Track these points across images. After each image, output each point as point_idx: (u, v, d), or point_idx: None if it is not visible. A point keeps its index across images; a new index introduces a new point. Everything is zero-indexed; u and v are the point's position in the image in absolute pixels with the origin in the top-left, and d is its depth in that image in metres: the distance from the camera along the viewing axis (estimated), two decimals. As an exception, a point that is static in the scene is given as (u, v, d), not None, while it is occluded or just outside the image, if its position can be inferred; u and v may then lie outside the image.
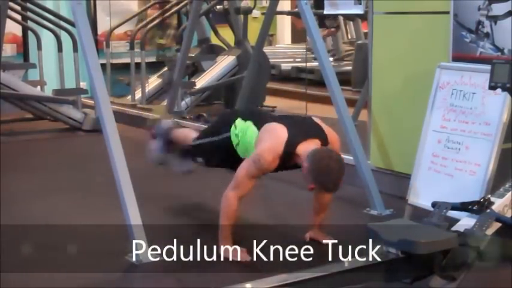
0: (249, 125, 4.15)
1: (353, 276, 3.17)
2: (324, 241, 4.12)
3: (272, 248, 4.17)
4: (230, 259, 3.92)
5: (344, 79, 7.90)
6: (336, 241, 4.10)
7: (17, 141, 7.51)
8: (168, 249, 4.00)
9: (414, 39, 4.89)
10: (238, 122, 4.23)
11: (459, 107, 4.27)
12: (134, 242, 3.82)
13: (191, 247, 4.17)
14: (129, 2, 10.52)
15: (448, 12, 4.49)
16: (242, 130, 4.19)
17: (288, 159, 3.94)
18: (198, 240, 4.28)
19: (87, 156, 6.63)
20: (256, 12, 9.82)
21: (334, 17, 10.31)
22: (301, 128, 4.03)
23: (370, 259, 3.22)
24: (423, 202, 4.19)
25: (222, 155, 4.30)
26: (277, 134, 3.97)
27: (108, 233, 4.36)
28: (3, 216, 4.61)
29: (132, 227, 3.83)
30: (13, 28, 9.22)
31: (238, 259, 3.89)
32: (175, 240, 4.29)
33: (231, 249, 3.96)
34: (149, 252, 3.85)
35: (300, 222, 4.45)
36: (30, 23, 9.16)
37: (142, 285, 3.74)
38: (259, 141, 4.02)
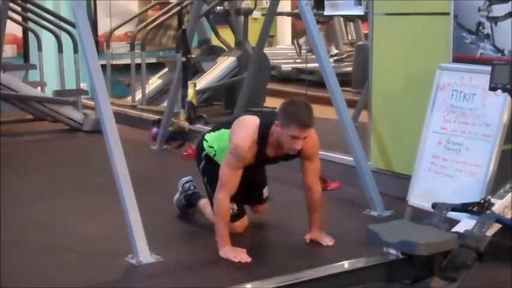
0: (223, 131, 4.25)
1: (353, 277, 3.17)
2: (325, 243, 4.13)
3: (272, 249, 4.19)
4: (230, 260, 3.92)
5: (344, 80, 7.90)
6: (334, 242, 4.12)
7: (17, 142, 7.51)
8: (168, 250, 4.01)
9: (414, 40, 4.89)
10: (207, 136, 4.38)
11: (459, 108, 4.27)
12: (134, 243, 3.82)
13: (191, 248, 4.19)
14: (130, 3, 10.51)
15: (448, 13, 4.49)
16: (216, 138, 4.30)
17: (267, 145, 3.99)
18: (198, 241, 4.31)
19: (87, 157, 6.63)
20: (256, 13, 9.83)
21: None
22: (272, 115, 4.12)
23: (371, 260, 3.22)
24: (423, 203, 4.19)
25: (216, 177, 4.24)
26: (248, 122, 4.07)
27: (108, 234, 4.37)
28: (3, 216, 4.61)
29: (132, 228, 3.82)
30: (13, 29, 9.22)
31: (238, 260, 3.89)
32: (175, 241, 4.32)
33: (230, 250, 3.96)
34: (149, 253, 3.85)
35: (300, 223, 4.44)
36: (30, 24, 9.17)
37: (142, 286, 3.73)
38: (231, 134, 4.09)
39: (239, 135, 4.02)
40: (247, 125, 4.04)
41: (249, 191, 4.35)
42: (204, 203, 4.54)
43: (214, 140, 4.33)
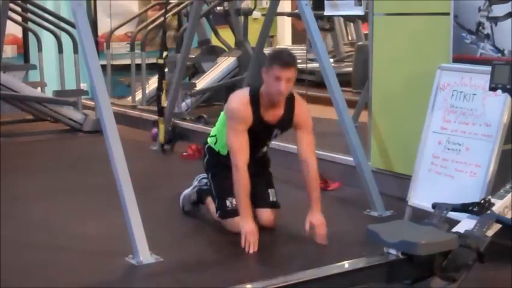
0: (221, 115, 4.42)
1: (354, 278, 3.17)
2: (318, 240, 4.14)
3: (272, 249, 4.19)
4: (242, 240, 4.01)
5: (344, 80, 7.90)
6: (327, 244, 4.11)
7: (18, 143, 7.51)
8: (168, 251, 4.01)
9: (415, 41, 4.89)
10: (211, 131, 4.54)
11: (459, 108, 4.27)
12: (134, 243, 3.82)
13: (191, 248, 4.19)
14: (130, 3, 10.51)
15: (448, 14, 4.49)
16: (216, 126, 4.47)
17: (261, 106, 4.15)
18: (198, 242, 4.31)
19: (87, 157, 6.64)
20: (256, 14, 9.83)
21: (328, 18, 10.29)
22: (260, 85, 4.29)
23: (371, 260, 3.23)
24: (423, 203, 4.19)
25: (218, 170, 4.38)
26: (239, 91, 4.38)
27: (108, 234, 4.37)
28: (4, 217, 4.61)
29: (132, 228, 3.82)
30: (13, 29, 9.22)
31: (243, 245, 3.98)
32: (175, 241, 4.32)
33: (246, 227, 4.03)
34: (149, 253, 3.85)
35: (301, 224, 4.44)
36: (30, 24, 9.16)
37: (142, 286, 3.73)
38: (226, 107, 4.28)
39: (232, 101, 4.25)
40: (239, 93, 4.34)
41: (254, 190, 4.30)
42: (210, 199, 4.54)
43: (214, 128, 4.48)
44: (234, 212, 4.25)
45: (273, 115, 4.21)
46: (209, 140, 4.48)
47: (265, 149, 4.49)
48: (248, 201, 4.10)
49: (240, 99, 4.21)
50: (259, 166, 4.42)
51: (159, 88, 6.93)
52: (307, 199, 4.23)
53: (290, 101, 4.24)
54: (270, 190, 4.47)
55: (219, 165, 4.39)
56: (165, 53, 6.88)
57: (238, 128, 4.13)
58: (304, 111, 4.28)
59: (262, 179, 4.45)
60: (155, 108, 8.44)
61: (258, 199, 4.39)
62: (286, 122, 4.26)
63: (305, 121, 4.28)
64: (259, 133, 4.25)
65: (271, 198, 4.45)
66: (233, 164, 4.11)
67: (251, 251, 3.98)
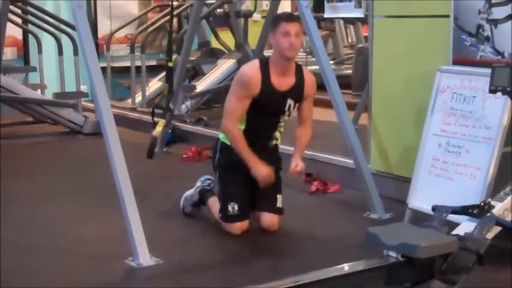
0: None
1: (354, 280, 3.17)
2: (292, 168, 4.28)
3: (271, 252, 4.19)
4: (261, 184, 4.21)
5: (344, 82, 7.89)
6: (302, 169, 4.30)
7: (18, 145, 7.51)
8: (168, 253, 4.01)
9: (414, 43, 4.89)
10: None
11: (459, 111, 4.27)
12: (134, 245, 3.82)
13: (191, 251, 4.19)
14: (130, 5, 10.52)
15: (448, 16, 4.49)
16: None
17: (271, 73, 4.22)
18: (198, 244, 4.31)
19: (87, 159, 6.64)
20: (256, 16, 9.82)
21: (331, 19, 10.29)
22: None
23: (371, 263, 3.22)
24: (423, 206, 4.19)
25: (226, 172, 4.40)
26: (249, 62, 4.53)
27: (108, 237, 4.37)
28: (3, 218, 4.61)
29: (132, 230, 3.82)
30: (13, 31, 9.22)
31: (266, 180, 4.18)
32: (175, 243, 4.31)
33: (262, 169, 4.18)
34: (149, 255, 3.85)
35: (302, 227, 4.45)
36: (30, 26, 9.16)
37: (143, 288, 3.74)
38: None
39: (241, 68, 4.41)
40: (249, 63, 4.48)
41: (262, 192, 4.32)
42: (213, 200, 4.53)
43: None
44: (234, 218, 4.29)
45: (285, 83, 4.27)
46: (221, 135, 4.43)
47: (278, 133, 4.41)
48: (250, 151, 4.21)
49: (249, 66, 4.33)
50: (271, 163, 4.37)
51: (171, 92, 6.72)
52: (294, 148, 4.40)
53: (299, 70, 4.34)
54: (278, 196, 4.42)
55: (229, 166, 4.35)
56: (174, 56, 6.79)
57: (240, 93, 4.20)
58: (313, 80, 4.41)
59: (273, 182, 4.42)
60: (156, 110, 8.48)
61: (265, 202, 4.38)
62: (298, 91, 4.32)
63: (313, 91, 4.42)
64: (272, 103, 4.25)
65: (278, 204, 4.41)
66: (223, 127, 4.25)
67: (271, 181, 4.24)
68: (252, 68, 4.27)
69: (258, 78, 4.19)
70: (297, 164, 4.27)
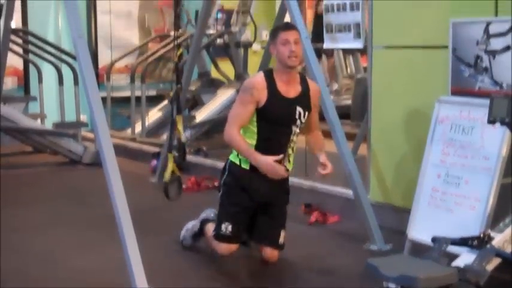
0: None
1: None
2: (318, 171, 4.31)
3: (272, 282, 4.17)
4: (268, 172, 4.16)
5: (344, 113, 7.91)
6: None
7: (17, 175, 7.50)
8: (166, 285, 3.99)
9: (413, 74, 4.91)
10: None
11: (458, 141, 4.27)
12: (132, 277, 3.80)
13: (189, 283, 4.17)
14: (131, 35, 10.57)
15: (447, 47, 4.51)
16: None
17: (276, 80, 4.25)
18: (196, 277, 4.29)
19: (86, 189, 6.63)
20: (256, 46, 9.87)
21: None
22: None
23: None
24: (423, 237, 4.17)
25: (229, 193, 4.36)
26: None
27: (106, 268, 4.35)
28: (3, 248, 4.60)
29: (130, 261, 3.80)
30: (14, 61, 9.25)
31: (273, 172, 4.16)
32: (173, 276, 4.30)
33: (264, 163, 4.14)
34: (147, 286, 3.82)
35: (300, 258, 4.44)
36: (31, 56, 9.20)
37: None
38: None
39: (246, 80, 4.47)
40: (253, 76, 4.56)
41: (266, 225, 4.31)
42: (210, 225, 4.51)
43: None
44: (225, 238, 4.28)
45: (291, 90, 4.29)
46: (231, 155, 4.38)
47: (290, 150, 4.31)
48: (251, 148, 4.21)
49: (253, 76, 4.44)
50: (280, 194, 4.38)
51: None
52: (314, 150, 4.45)
53: (304, 79, 4.39)
54: (281, 231, 4.38)
55: (235, 187, 4.32)
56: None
57: (244, 98, 4.23)
58: (318, 89, 4.52)
59: (278, 215, 4.39)
60: (155, 141, 8.49)
61: (267, 236, 4.36)
62: (306, 99, 4.33)
63: (317, 100, 4.50)
64: (281, 110, 4.24)
65: (280, 240, 4.38)
66: (225, 133, 4.25)
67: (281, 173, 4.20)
68: (256, 77, 4.36)
69: (264, 85, 4.23)
70: (325, 165, 4.29)
